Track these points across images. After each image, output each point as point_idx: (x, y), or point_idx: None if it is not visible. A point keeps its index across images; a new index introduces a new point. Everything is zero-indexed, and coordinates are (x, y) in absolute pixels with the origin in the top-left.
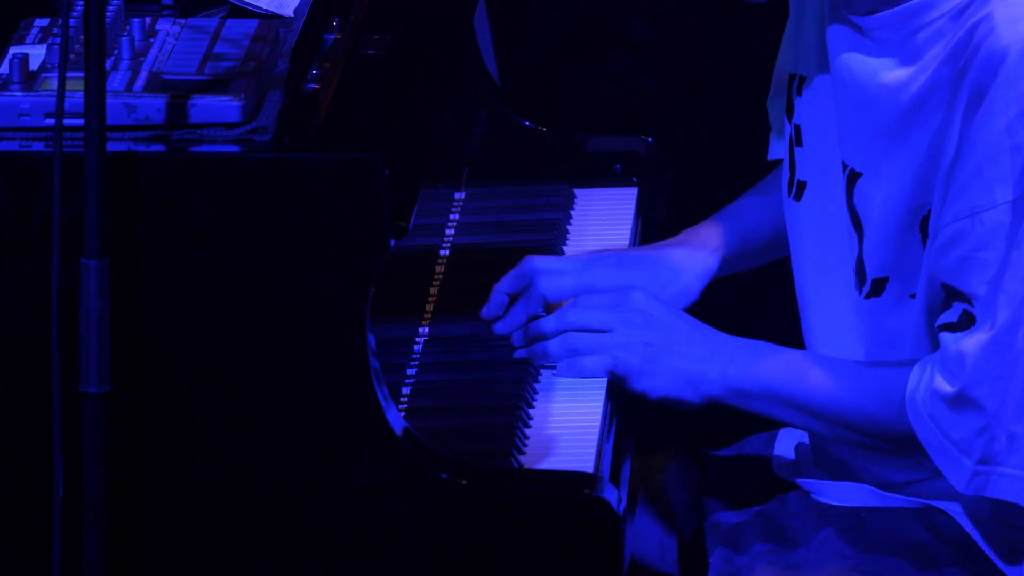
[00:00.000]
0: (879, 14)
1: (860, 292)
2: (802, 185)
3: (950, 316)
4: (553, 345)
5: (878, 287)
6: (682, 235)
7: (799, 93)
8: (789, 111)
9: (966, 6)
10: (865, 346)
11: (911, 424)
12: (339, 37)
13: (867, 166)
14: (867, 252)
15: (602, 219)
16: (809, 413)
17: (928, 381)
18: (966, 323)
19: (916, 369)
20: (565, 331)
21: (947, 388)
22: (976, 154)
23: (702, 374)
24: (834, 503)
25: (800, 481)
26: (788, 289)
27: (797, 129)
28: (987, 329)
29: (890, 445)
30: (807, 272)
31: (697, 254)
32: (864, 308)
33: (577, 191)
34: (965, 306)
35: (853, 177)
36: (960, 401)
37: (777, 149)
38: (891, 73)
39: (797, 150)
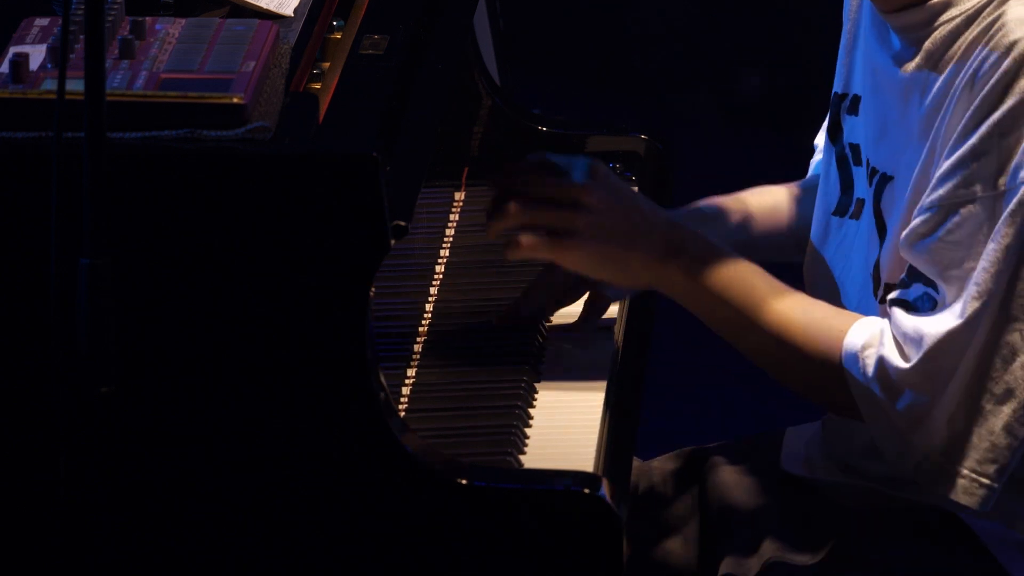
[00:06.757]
0: (906, 11)
1: (875, 296)
2: (861, 203)
3: (908, 294)
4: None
5: (891, 292)
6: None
7: (855, 112)
8: (836, 132)
9: (984, 6)
10: None
11: (849, 376)
12: (339, 37)
13: (897, 169)
14: (883, 255)
15: None
16: (754, 320)
17: (878, 346)
18: (926, 306)
19: (860, 326)
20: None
21: (900, 363)
22: (964, 146)
23: (659, 266)
24: (843, 502)
25: (809, 479)
26: None
27: (856, 148)
28: (953, 316)
29: (820, 400)
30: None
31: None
32: (879, 314)
33: None
34: (928, 290)
35: (883, 181)
36: (910, 379)
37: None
38: (911, 67)
39: (857, 170)
